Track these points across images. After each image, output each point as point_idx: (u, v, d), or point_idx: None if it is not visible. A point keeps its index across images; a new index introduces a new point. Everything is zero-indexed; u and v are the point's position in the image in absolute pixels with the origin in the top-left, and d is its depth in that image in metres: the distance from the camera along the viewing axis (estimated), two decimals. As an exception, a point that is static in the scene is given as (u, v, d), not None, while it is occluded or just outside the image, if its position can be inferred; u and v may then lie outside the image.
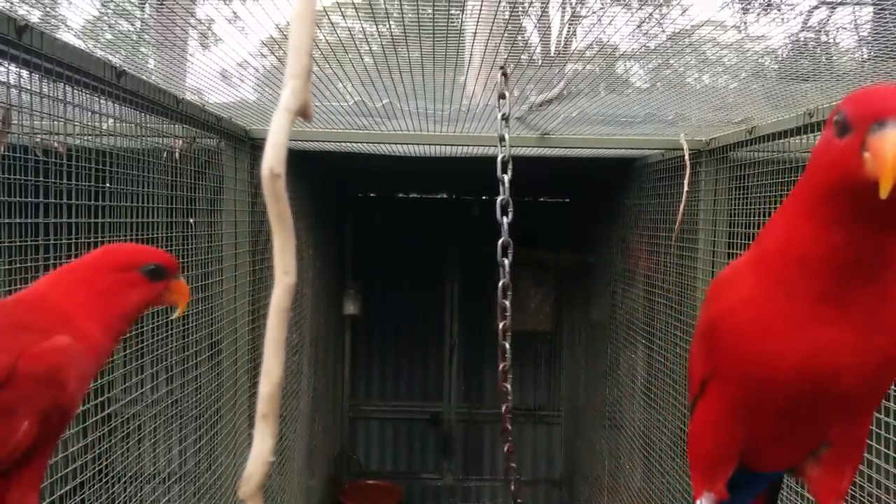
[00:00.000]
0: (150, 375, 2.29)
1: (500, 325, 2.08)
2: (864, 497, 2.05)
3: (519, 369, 6.25)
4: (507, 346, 2.08)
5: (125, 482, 2.09)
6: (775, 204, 2.52)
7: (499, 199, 2.09)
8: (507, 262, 2.06)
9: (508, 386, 2.11)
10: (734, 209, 2.88)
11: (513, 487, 2.24)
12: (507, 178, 2.11)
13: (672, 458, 3.38)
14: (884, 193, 0.73)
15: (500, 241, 2.06)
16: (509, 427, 2.16)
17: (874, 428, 1.99)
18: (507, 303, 2.07)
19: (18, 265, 1.61)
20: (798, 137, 2.37)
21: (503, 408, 2.13)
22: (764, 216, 2.61)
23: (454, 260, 6.43)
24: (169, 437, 2.49)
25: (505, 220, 2.07)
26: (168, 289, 1.27)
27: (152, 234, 2.25)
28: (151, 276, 1.23)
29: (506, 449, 2.18)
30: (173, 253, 2.37)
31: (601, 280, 5.03)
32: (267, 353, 0.49)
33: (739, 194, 2.82)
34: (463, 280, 6.42)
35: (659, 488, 3.58)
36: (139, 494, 2.26)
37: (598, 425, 5.04)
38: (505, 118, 2.21)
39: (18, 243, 1.58)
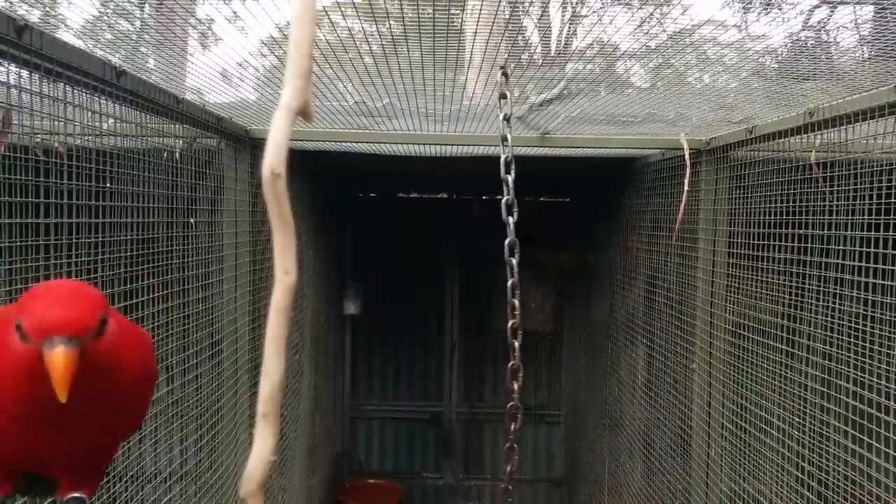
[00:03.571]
0: (150, 375, 2.29)
1: (510, 324, 2.08)
2: (864, 496, 2.05)
3: (519, 369, 6.24)
4: (517, 344, 2.08)
5: (126, 481, 2.09)
6: (776, 203, 2.52)
7: (503, 199, 2.10)
8: (514, 261, 2.07)
9: (516, 385, 2.11)
10: (734, 208, 2.88)
11: (504, 485, 2.25)
12: (510, 178, 2.12)
13: (672, 457, 3.39)
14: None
15: (507, 241, 2.07)
16: (512, 427, 2.15)
17: (874, 426, 1.99)
18: (517, 301, 2.07)
19: (19, 265, 1.61)
20: (798, 137, 2.37)
21: (509, 406, 2.13)
22: (764, 215, 2.61)
23: (454, 260, 6.43)
24: (170, 436, 2.49)
25: (510, 219, 2.08)
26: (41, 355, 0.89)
27: (152, 234, 2.25)
28: (18, 330, 0.91)
29: (506, 447, 2.18)
30: (173, 253, 2.38)
31: (601, 280, 5.04)
32: (267, 353, 0.49)
33: (739, 194, 2.83)
34: (463, 280, 6.42)
35: (659, 487, 3.58)
36: (140, 494, 2.26)
37: (598, 425, 5.04)
38: (507, 118, 2.21)
39: (19, 243, 1.58)
